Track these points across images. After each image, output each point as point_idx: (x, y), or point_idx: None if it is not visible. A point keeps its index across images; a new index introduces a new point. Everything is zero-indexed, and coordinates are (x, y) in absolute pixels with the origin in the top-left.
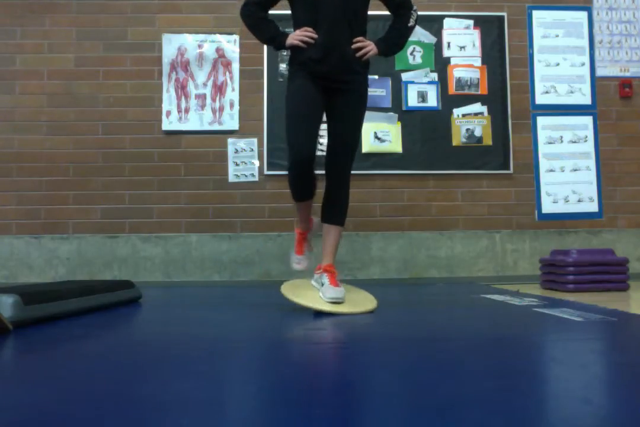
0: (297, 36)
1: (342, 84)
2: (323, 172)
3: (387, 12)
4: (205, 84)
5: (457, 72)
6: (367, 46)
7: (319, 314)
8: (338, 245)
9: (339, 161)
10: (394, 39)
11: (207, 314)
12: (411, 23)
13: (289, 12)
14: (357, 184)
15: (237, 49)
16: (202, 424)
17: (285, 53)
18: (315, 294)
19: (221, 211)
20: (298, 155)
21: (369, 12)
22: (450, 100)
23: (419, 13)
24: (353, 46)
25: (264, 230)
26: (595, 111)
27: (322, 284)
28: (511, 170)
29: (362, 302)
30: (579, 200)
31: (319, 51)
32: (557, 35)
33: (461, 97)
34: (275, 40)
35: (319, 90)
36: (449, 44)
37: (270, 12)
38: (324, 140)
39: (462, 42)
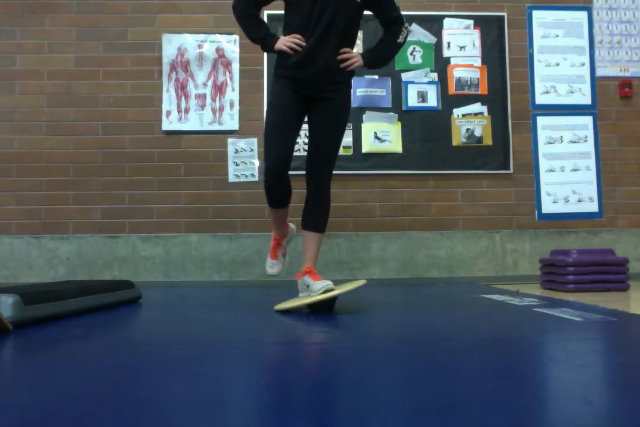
0: (286, 42)
1: (323, 93)
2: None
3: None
4: (205, 84)
5: (457, 72)
6: (353, 58)
7: (319, 314)
8: (318, 251)
9: (319, 168)
10: (380, 53)
11: (207, 314)
12: (400, 39)
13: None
14: (357, 184)
15: (237, 49)
16: (202, 424)
17: None
18: (306, 298)
19: (221, 211)
20: (271, 164)
21: (370, 13)
22: (450, 100)
23: (418, 13)
24: (339, 57)
25: (264, 230)
26: (595, 111)
27: (308, 285)
28: (511, 170)
29: (349, 284)
30: (579, 201)
31: (304, 57)
32: (557, 35)
33: (461, 97)
34: (265, 42)
35: (298, 98)
36: (449, 44)
37: (270, 12)
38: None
39: (462, 42)
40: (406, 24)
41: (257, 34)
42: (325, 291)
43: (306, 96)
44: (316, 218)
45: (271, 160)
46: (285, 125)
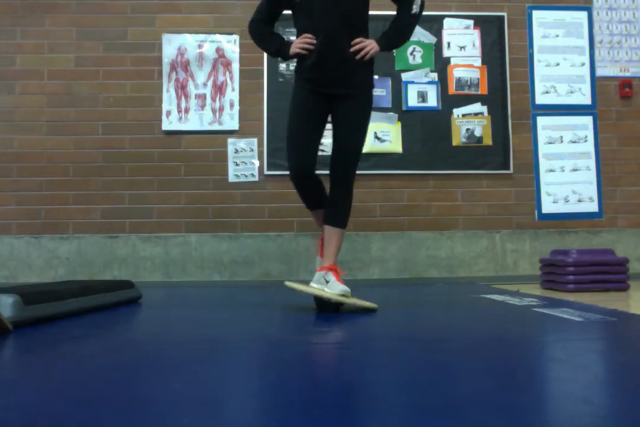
0: (297, 44)
1: (343, 89)
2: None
3: (387, 12)
4: (205, 84)
5: (457, 72)
6: (367, 46)
7: (319, 314)
8: (340, 247)
9: (342, 165)
10: (397, 31)
11: (207, 314)
12: (414, 10)
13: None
14: (357, 184)
15: (237, 49)
16: (202, 424)
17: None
18: (321, 290)
19: (221, 211)
20: (293, 168)
21: (370, 12)
22: (450, 100)
23: None
24: (352, 49)
25: (264, 230)
26: (595, 111)
27: (328, 282)
28: (511, 170)
29: (364, 301)
30: (579, 201)
31: (316, 56)
32: (557, 35)
33: (461, 97)
34: (280, 52)
35: (319, 99)
36: (449, 44)
37: None
38: (326, 141)
39: (462, 42)
40: None
41: (273, 48)
42: (342, 296)
43: (327, 96)
44: (339, 213)
45: (291, 167)
46: (305, 130)
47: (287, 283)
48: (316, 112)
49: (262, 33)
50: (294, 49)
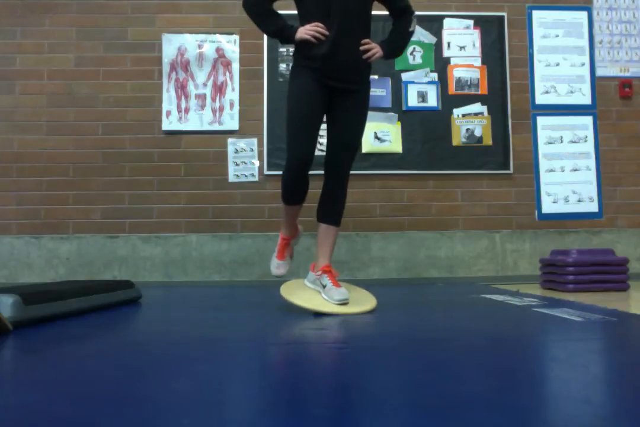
0: (308, 30)
1: (349, 84)
2: (322, 172)
3: (387, 12)
4: (205, 84)
5: (457, 72)
6: (374, 48)
7: (319, 314)
8: (334, 247)
9: (339, 163)
10: (397, 43)
11: (207, 314)
12: (412, 28)
13: (293, 12)
14: (357, 184)
15: (237, 49)
16: (202, 424)
17: (284, 51)
18: (316, 295)
19: (221, 211)
20: (296, 160)
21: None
22: (450, 100)
23: (418, 13)
24: (362, 48)
25: (264, 230)
26: (595, 111)
27: (324, 286)
28: (511, 170)
29: (363, 300)
30: (579, 200)
31: (329, 47)
32: (557, 35)
33: (461, 97)
34: (284, 33)
35: (321, 90)
36: (449, 44)
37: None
38: (323, 140)
39: (462, 42)
40: (415, 13)
41: (274, 26)
42: (342, 304)
43: (330, 89)
44: (334, 211)
45: (299, 154)
46: (312, 118)
47: (285, 296)
48: (321, 102)
49: (263, 9)
50: (302, 35)
